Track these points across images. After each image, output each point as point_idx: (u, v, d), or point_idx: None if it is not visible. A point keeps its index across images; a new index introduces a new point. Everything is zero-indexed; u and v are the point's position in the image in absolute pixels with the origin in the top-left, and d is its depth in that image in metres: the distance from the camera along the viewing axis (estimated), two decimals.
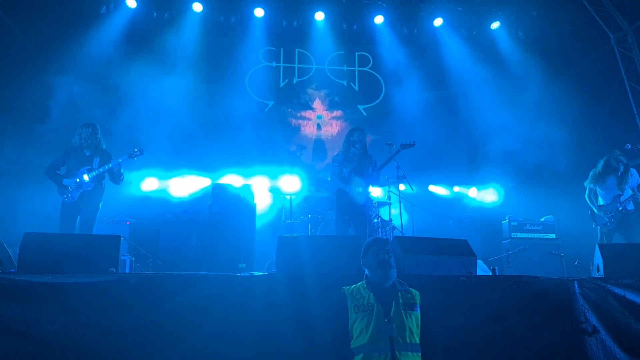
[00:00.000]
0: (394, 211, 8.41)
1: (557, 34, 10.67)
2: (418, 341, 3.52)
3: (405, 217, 8.69)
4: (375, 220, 8.28)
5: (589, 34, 10.11)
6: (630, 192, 6.99)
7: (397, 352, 3.37)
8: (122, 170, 6.76)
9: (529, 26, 11.04)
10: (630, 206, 6.93)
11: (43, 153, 8.07)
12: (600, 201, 7.23)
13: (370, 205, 7.83)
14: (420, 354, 3.46)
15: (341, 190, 6.93)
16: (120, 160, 6.69)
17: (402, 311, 3.54)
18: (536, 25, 10.90)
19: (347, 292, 3.71)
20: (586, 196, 7.45)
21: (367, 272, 3.77)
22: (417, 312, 3.62)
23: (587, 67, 10.55)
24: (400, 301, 3.59)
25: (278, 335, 3.92)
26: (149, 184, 9.96)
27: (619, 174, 7.16)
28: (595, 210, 7.23)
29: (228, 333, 3.92)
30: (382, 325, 3.46)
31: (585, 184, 7.46)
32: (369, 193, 7.02)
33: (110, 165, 6.61)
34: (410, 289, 3.74)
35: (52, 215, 6.80)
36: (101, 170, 6.61)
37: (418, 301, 3.68)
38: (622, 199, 6.99)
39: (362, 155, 7.01)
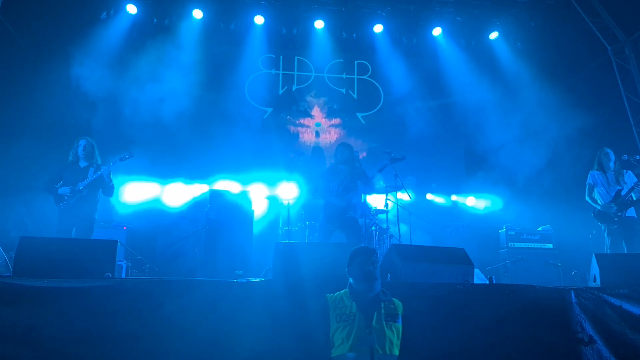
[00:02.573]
0: (391, 201, 8.44)
1: (555, 44, 10.73)
2: (397, 353, 3.52)
3: (402, 225, 8.68)
4: (373, 228, 8.29)
5: (587, 45, 10.16)
6: (631, 185, 6.90)
7: None
8: (111, 176, 6.81)
9: (527, 36, 11.10)
10: (632, 195, 6.83)
11: (40, 157, 8.09)
12: (600, 200, 7.08)
13: (368, 214, 7.86)
14: None
15: (329, 203, 6.97)
16: (111, 163, 6.74)
17: (384, 322, 3.55)
18: (534, 36, 10.97)
19: (330, 299, 3.71)
20: (586, 196, 7.25)
21: (351, 280, 3.76)
22: (399, 324, 3.62)
23: (585, 77, 10.60)
24: (383, 312, 3.59)
25: (275, 342, 3.91)
26: (147, 190, 9.95)
27: (612, 168, 7.10)
28: (599, 208, 7.04)
29: (225, 339, 3.90)
30: (363, 335, 3.46)
31: (586, 183, 7.30)
32: (361, 205, 7.10)
33: (100, 171, 6.65)
34: (394, 299, 3.73)
35: (48, 219, 6.81)
36: (95, 176, 6.65)
37: (400, 312, 3.68)
38: (624, 192, 6.89)
39: (350, 170, 7.06)
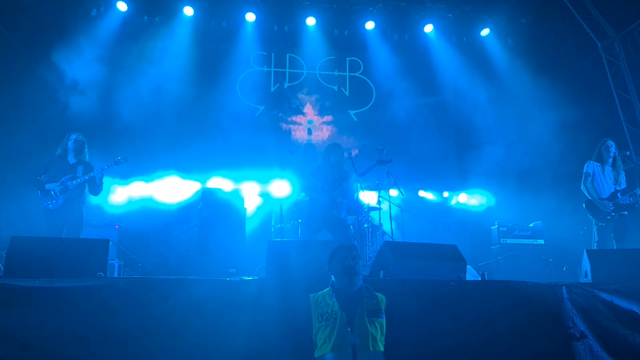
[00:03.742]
0: (383, 199, 8.48)
1: (545, 41, 10.78)
2: (382, 348, 3.52)
3: (395, 222, 8.70)
4: (366, 226, 8.31)
5: (578, 41, 10.21)
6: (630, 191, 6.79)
7: None
8: (103, 179, 6.68)
9: (518, 33, 11.14)
10: (626, 200, 6.71)
11: (30, 156, 8.01)
12: (596, 193, 6.91)
13: (360, 211, 7.87)
14: None
15: (314, 199, 6.99)
16: (105, 166, 6.64)
17: (366, 319, 3.54)
18: (525, 33, 11.01)
19: (312, 300, 3.71)
20: (582, 184, 7.04)
21: (333, 278, 3.76)
22: (382, 319, 3.62)
23: (575, 74, 10.65)
24: (365, 307, 3.59)
25: (267, 339, 3.91)
26: (138, 188, 9.89)
27: (610, 162, 6.95)
28: (591, 199, 6.88)
29: (217, 338, 3.90)
30: (344, 334, 3.45)
31: (584, 171, 7.07)
32: (346, 204, 7.14)
33: (93, 173, 6.55)
34: (377, 294, 3.73)
35: (39, 219, 6.72)
36: (86, 177, 6.55)
37: (384, 307, 3.68)
38: (620, 195, 6.79)
39: (336, 170, 7.10)
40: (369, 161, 7.86)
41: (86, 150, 6.84)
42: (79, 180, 6.53)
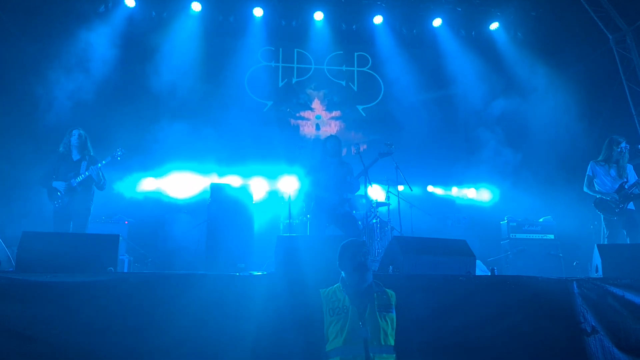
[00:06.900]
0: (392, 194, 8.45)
1: (556, 34, 10.69)
2: (393, 343, 3.54)
3: (404, 217, 8.68)
4: (374, 221, 8.29)
5: (588, 34, 10.11)
6: (635, 179, 6.77)
7: (371, 355, 3.41)
8: (101, 175, 6.74)
9: (528, 27, 11.06)
10: (634, 190, 6.66)
11: (38, 151, 8.07)
12: (600, 190, 6.90)
13: (369, 207, 7.86)
14: (394, 355, 3.50)
15: (320, 197, 6.94)
16: (99, 165, 6.68)
17: (377, 313, 3.57)
18: (535, 26, 10.92)
19: (323, 295, 3.73)
20: (585, 187, 7.04)
21: (343, 274, 3.77)
22: (393, 314, 3.64)
23: (586, 67, 10.55)
24: (376, 303, 3.62)
25: (277, 334, 3.92)
26: (147, 184, 9.94)
27: (615, 161, 6.91)
28: (599, 196, 6.85)
29: (227, 333, 3.92)
30: (356, 328, 3.49)
31: (586, 173, 7.07)
32: (355, 199, 7.09)
33: (89, 172, 6.61)
34: (387, 289, 3.75)
35: (48, 215, 6.79)
36: (87, 174, 6.62)
37: (394, 302, 3.70)
38: (627, 185, 6.74)
39: (338, 163, 7.02)
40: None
41: (89, 144, 6.90)
42: (81, 178, 6.62)
